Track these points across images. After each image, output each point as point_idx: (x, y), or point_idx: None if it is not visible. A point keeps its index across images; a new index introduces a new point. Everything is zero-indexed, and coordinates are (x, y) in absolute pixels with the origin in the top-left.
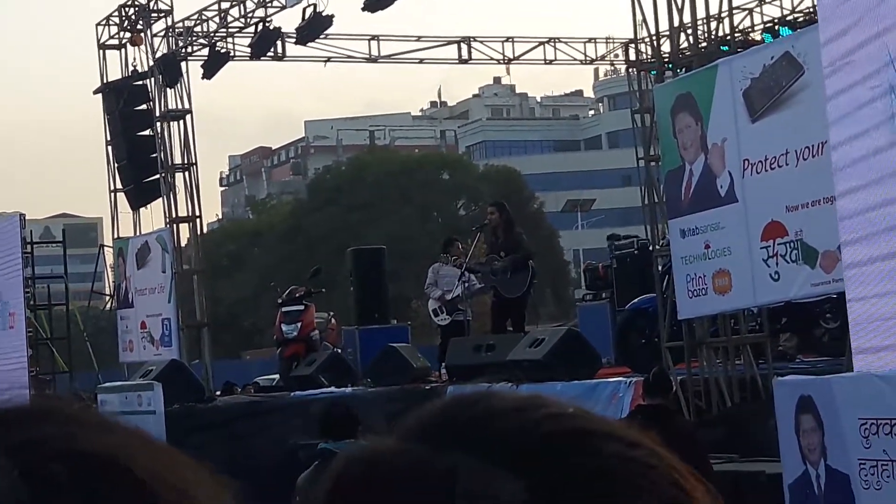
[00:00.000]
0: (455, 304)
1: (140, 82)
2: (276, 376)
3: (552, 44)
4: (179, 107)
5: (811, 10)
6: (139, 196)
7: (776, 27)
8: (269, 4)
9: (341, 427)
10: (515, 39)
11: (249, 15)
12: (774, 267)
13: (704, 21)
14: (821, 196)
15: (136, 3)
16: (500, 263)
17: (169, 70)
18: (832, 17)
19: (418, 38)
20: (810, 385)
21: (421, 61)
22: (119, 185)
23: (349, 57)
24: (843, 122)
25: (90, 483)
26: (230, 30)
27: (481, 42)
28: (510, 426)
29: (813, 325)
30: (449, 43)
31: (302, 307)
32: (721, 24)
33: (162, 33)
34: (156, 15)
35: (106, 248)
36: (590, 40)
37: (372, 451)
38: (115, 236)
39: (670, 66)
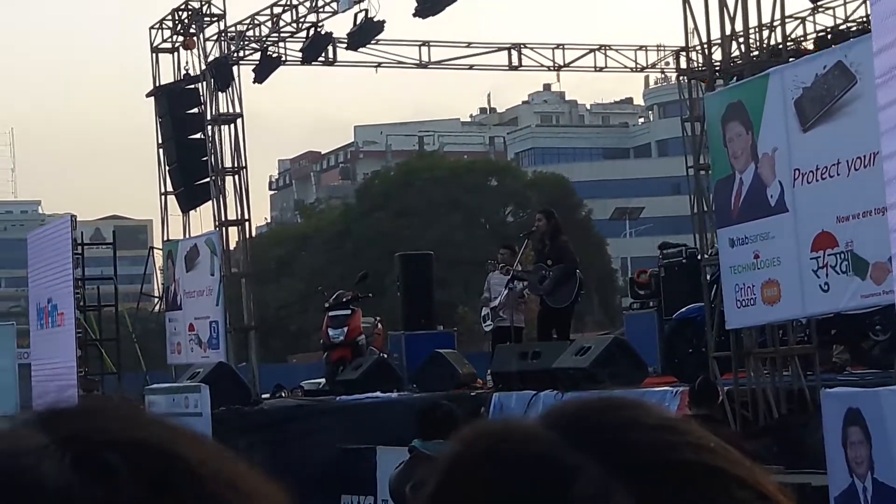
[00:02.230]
0: (497, 311)
1: (192, 86)
2: (322, 380)
3: (602, 51)
4: (230, 111)
5: (864, 19)
6: (189, 199)
7: (829, 36)
8: (321, 10)
9: (435, 427)
10: (566, 46)
11: (301, 20)
12: (824, 278)
13: (756, 30)
14: (872, 207)
15: (190, 7)
16: (546, 273)
17: (221, 74)
18: (886, 25)
19: (468, 45)
20: (858, 397)
21: (471, 67)
22: (169, 188)
23: (399, 62)
24: None
25: (145, 469)
26: (282, 34)
27: (531, 49)
28: (645, 442)
29: (862, 336)
30: (499, 49)
31: (349, 312)
32: (773, 33)
33: (214, 37)
34: (208, 19)
35: (155, 251)
36: (640, 48)
37: (512, 427)
38: (165, 239)
39: (721, 74)
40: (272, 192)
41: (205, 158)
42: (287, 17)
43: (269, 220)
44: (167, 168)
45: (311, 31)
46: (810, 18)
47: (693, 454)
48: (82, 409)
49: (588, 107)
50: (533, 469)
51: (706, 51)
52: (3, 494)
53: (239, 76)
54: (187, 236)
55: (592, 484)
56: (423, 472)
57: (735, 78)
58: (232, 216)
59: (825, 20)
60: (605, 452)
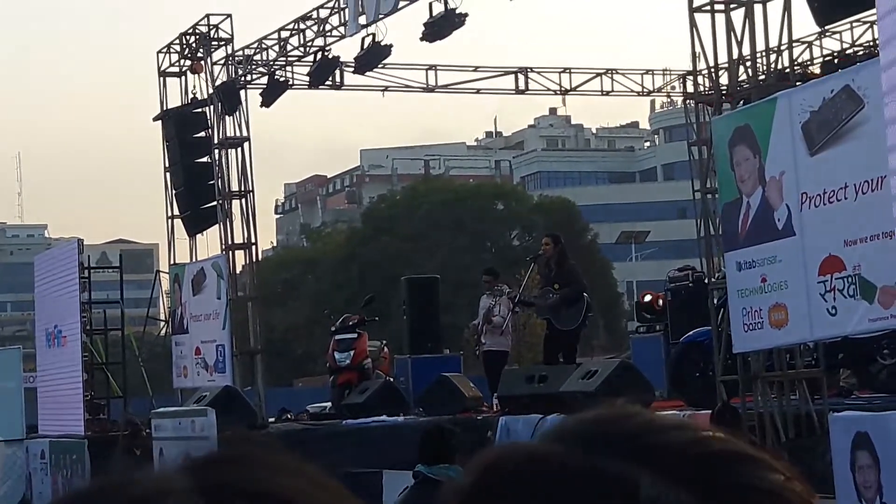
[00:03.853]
0: (479, 337)
1: (199, 110)
2: (328, 404)
3: (609, 75)
4: (237, 134)
5: (871, 43)
6: (196, 223)
7: (835, 61)
8: (329, 34)
9: (438, 451)
10: (572, 70)
11: (309, 44)
12: (832, 302)
13: (763, 54)
14: (879, 231)
15: (197, 31)
16: (554, 296)
17: (228, 98)
18: (894, 40)
19: (475, 69)
20: (867, 421)
21: (478, 91)
22: (176, 212)
23: (406, 86)
24: None
25: None
26: (289, 58)
27: (538, 72)
28: (675, 441)
29: (869, 361)
30: (506, 73)
31: (355, 335)
32: (780, 57)
33: (222, 61)
34: (216, 43)
35: (162, 274)
36: (647, 72)
37: (533, 450)
38: (172, 262)
39: (728, 98)
40: (278, 216)
41: (211, 182)
42: (294, 40)
43: (274, 244)
44: (174, 192)
45: (319, 55)
46: (817, 43)
47: (724, 445)
48: (231, 458)
49: (594, 130)
50: (589, 486)
51: (713, 74)
52: None
53: (246, 100)
54: (194, 260)
55: (656, 490)
56: (430, 498)
57: (742, 102)
58: (238, 240)
59: (832, 44)
60: (647, 458)
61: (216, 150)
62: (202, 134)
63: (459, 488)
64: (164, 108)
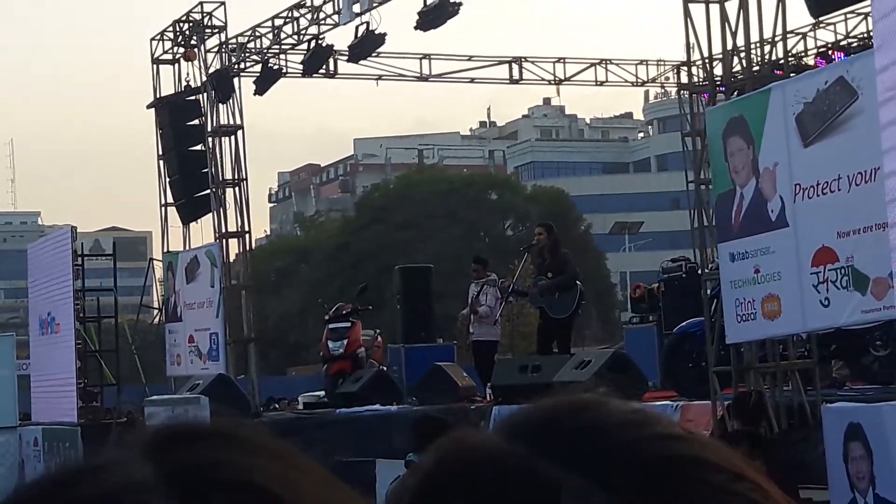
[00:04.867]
0: (467, 325)
1: (193, 97)
2: (321, 393)
3: (603, 65)
4: (231, 122)
5: (865, 35)
6: (190, 210)
7: (830, 52)
8: (323, 22)
9: (429, 440)
10: (566, 60)
11: (302, 32)
12: (825, 293)
13: (758, 45)
14: (872, 222)
15: (191, 18)
16: (546, 284)
17: (222, 86)
18: (890, 42)
19: (469, 58)
20: (860, 412)
21: (471, 80)
22: (170, 200)
23: (400, 75)
24: None
25: None
26: (283, 46)
27: (532, 62)
28: (616, 443)
29: (862, 352)
30: (500, 63)
31: (349, 324)
32: (774, 49)
33: (215, 49)
34: (210, 31)
35: (155, 262)
36: (641, 62)
37: (474, 445)
38: (165, 250)
39: (722, 89)
40: (272, 205)
41: (205, 170)
42: (288, 29)
43: (268, 233)
44: (168, 179)
45: (313, 44)
46: (811, 34)
47: (665, 447)
48: (195, 436)
49: (588, 121)
50: (515, 486)
51: (707, 65)
52: None
53: (240, 88)
54: (187, 248)
55: (578, 496)
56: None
57: (736, 93)
58: (232, 228)
59: (826, 36)
60: (581, 460)
61: (210, 138)
62: (196, 122)
63: (408, 487)
64: (158, 96)
